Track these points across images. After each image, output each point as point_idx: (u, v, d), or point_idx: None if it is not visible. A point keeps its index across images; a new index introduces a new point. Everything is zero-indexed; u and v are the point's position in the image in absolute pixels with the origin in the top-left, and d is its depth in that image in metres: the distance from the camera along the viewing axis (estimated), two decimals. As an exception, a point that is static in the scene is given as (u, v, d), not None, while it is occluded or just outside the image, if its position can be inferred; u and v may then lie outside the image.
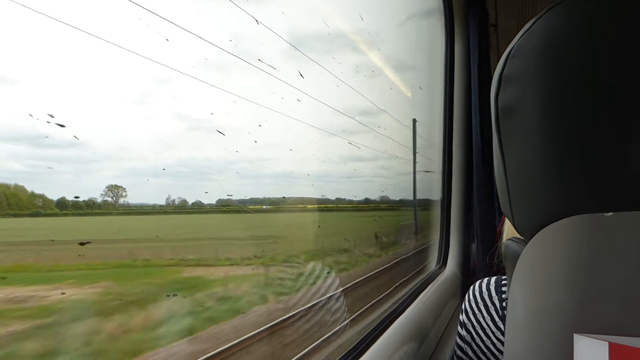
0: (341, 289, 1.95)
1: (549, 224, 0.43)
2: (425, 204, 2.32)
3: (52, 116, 0.62)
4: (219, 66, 1.08)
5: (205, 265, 1.86)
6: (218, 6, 1.11)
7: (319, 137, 1.62)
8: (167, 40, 0.86)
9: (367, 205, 2.50)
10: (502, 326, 0.68)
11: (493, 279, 0.74)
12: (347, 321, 1.73)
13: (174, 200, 1.39)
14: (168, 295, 1.54)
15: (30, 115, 0.62)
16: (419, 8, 2.24)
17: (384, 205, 2.70)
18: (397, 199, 2.70)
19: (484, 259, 1.86)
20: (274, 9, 1.17)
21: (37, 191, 1.03)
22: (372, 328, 1.08)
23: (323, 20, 1.48)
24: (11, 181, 0.94)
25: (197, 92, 1.09)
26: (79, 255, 0.98)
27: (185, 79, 1.02)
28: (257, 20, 1.10)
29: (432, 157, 2.17)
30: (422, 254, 2.17)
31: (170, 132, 1.18)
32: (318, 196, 1.89)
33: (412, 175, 2.45)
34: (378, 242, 3.20)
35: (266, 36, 1.15)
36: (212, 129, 1.07)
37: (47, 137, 0.68)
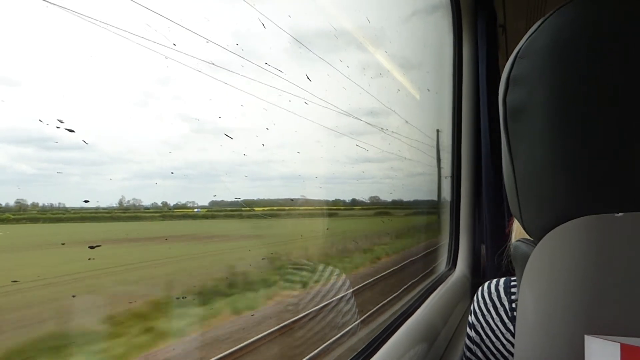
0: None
1: (558, 225, 0.43)
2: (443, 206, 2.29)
3: (61, 121, 0.63)
4: (225, 68, 1.09)
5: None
6: (224, 7, 1.12)
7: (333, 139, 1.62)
8: (175, 44, 0.87)
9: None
10: (511, 327, 0.67)
11: (502, 280, 0.74)
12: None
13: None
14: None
15: (40, 120, 0.63)
16: (427, 5, 2.24)
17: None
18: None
19: (493, 259, 1.86)
20: (276, 7, 1.18)
21: (46, 195, 1.01)
22: (382, 329, 1.08)
23: (329, 21, 1.49)
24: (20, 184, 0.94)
25: (204, 94, 1.10)
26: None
27: (192, 80, 1.03)
28: (264, 24, 1.11)
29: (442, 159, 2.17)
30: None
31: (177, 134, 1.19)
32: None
33: (423, 177, 2.44)
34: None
35: (272, 36, 1.16)
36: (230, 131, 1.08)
37: (56, 142, 0.69)
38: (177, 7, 0.92)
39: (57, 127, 0.61)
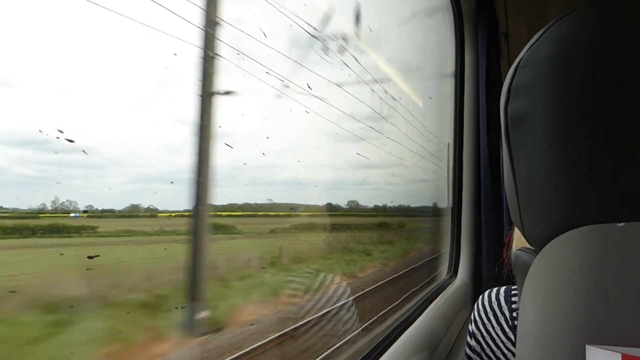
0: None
1: (559, 234, 0.43)
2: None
3: (61, 132, 0.63)
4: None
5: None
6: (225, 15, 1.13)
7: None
8: (175, 54, 0.87)
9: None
10: (512, 336, 0.67)
11: (502, 288, 0.73)
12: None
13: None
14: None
15: (40, 131, 0.63)
16: (427, 9, 2.24)
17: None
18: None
19: (492, 269, 1.85)
20: (275, 14, 1.19)
21: (46, 197, 0.98)
22: (382, 338, 1.07)
23: (333, 28, 1.50)
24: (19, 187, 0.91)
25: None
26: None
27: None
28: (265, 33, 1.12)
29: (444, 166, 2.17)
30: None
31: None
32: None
33: (424, 183, 2.43)
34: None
35: (273, 42, 1.17)
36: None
37: (56, 152, 0.69)
38: (176, 12, 0.93)
39: (57, 137, 0.62)
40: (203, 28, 1.05)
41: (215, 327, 1.39)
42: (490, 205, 1.89)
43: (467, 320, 1.59)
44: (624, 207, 0.41)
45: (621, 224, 0.39)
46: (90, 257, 0.85)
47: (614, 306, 0.38)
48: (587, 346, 0.38)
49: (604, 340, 0.37)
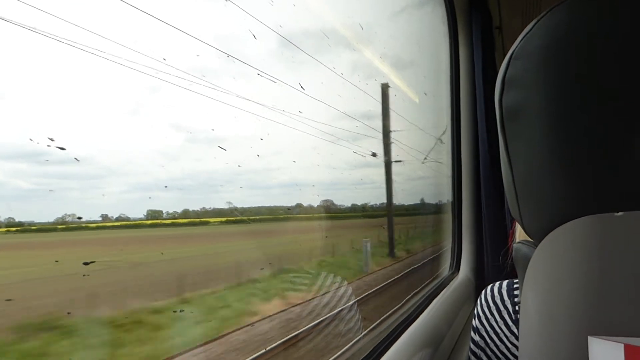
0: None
1: (558, 226, 0.42)
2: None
3: (52, 139, 0.63)
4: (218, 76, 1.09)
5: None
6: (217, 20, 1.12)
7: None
8: (164, 59, 0.87)
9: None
10: (515, 330, 0.67)
11: (505, 282, 0.73)
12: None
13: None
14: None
15: (30, 139, 0.62)
16: (423, 9, 2.24)
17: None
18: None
19: (494, 263, 1.84)
20: (266, 12, 1.18)
21: (44, 209, 0.96)
22: (386, 334, 1.07)
23: (324, 25, 1.49)
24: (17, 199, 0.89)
25: (200, 108, 1.10)
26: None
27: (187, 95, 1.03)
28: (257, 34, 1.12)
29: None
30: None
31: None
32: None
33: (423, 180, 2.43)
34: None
35: (263, 42, 1.16)
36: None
37: (47, 160, 0.68)
38: (169, 19, 0.92)
39: (48, 146, 0.61)
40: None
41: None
42: (491, 199, 1.88)
43: (471, 316, 1.59)
44: (621, 197, 0.40)
45: (619, 214, 0.39)
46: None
47: (615, 296, 0.38)
48: (589, 337, 0.38)
49: (606, 331, 0.37)
